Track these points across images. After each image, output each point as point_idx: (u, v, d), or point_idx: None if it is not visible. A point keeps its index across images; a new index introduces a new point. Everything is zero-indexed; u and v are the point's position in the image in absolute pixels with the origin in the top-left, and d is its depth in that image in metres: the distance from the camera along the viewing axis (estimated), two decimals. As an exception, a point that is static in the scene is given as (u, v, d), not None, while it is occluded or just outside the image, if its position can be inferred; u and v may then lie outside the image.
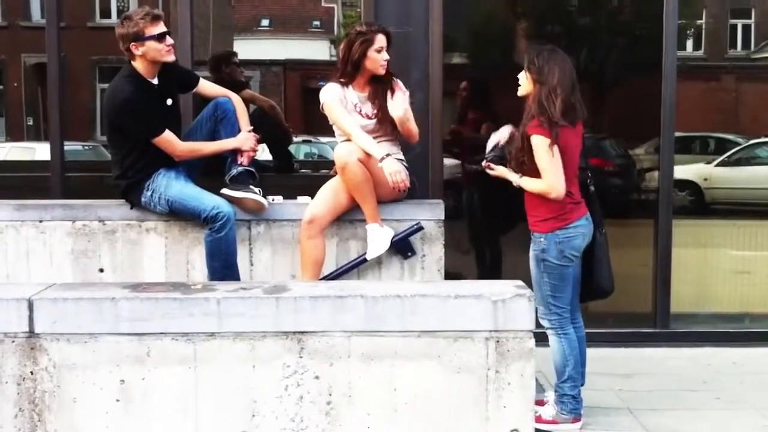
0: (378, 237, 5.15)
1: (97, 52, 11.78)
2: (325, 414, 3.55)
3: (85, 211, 5.35)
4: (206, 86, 5.41)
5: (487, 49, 7.81)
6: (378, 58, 5.12)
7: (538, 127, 4.55)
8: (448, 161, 6.73)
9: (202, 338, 3.53)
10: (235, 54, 7.70)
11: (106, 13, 13.62)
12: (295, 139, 10.17)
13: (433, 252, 5.32)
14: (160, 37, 4.98)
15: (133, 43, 4.97)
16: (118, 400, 3.54)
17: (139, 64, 5.04)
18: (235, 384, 3.55)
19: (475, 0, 7.61)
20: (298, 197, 5.51)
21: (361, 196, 5.06)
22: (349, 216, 5.23)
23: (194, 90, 5.38)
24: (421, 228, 5.25)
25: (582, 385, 4.91)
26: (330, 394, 3.55)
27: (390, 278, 5.29)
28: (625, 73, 7.49)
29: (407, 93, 5.22)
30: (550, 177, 4.57)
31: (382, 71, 5.15)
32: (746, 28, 8.80)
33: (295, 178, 7.37)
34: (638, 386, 5.63)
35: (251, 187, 5.20)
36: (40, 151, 9.07)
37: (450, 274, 5.58)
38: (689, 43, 8.45)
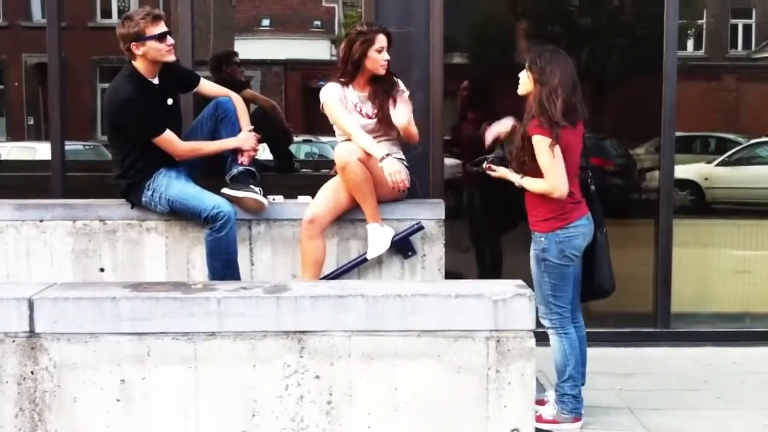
0: (378, 236, 5.15)
1: (98, 52, 11.79)
2: (326, 413, 3.55)
3: (86, 210, 5.35)
4: (207, 86, 5.41)
5: (488, 49, 7.82)
6: (378, 58, 5.12)
7: (538, 127, 4.55)
8: (449, 161, 6.73)
9: (202, 338, 3.52)
10: (235, 54, 7.71)
11: (106, 13, 13.63)
12: (295, 139, 10.17)
13: (433, 251, 5.32)
14: (160, 37, 4.99)
15: (133, 43, 4.97)
16: (118, 400, 3.53)
17: (139, 64, 5.04)
18: (236, 383, 3.55)
19: (476, 0, 7.61)
20: (299, 197, 5.51)
21: (361, 195, 5.06)
22: (349, 215, 5.23)
23: (195, 90, 5.38)
24: (421, 227, 5.25)
25: (582, 384, 4.91)
26: (330, 394, 3.55)
27: (390, 278, 5.29)
28: (625, 73, 7.49)
29: (410, 104, 5.25)
30: (552, 177, 4.57)
31: (382, 71, 5.15)
32: (747, 28, 8.82)
33: (296, 177, 7.37)
34: (639, 386, 5.63)
35: (252, 186, 5.20)
36: (41, 150, 9.08)
37: (450, 274, 5.58)
38: (690, 43, 8.46)
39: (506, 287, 3.68)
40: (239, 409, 3.55)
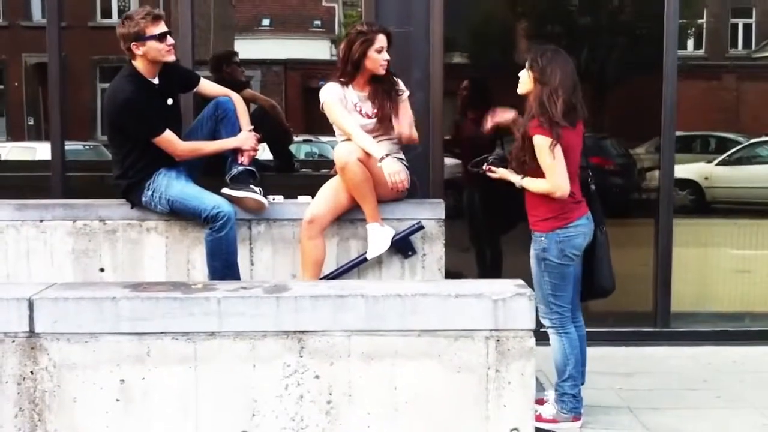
0: (378, 236, 5.15)
1: (98, 52, 11.78)
2: (326, 413, 3.55)
3: (86, 210, 5.36)
4: (207, 86, 5.41)
5: (488, 49, 7.82)
6: (378, 58, 5.12)
7: (539, 128, 4.55)
8: (449, 160, 6.73)
9: (202, 338, 3.52)
10: (235, 54, 7.71)
11: (106, 13, 13.63)
12: (295, 139, 10.18)
13: (433, 251, 5.32)
14: (161, 37, 4.99)
15: (133, 43, 4.97)
16: (118, 400, 3.53)
17: (139, 64, 5.05)
18: (236, 383, 3.54)
19: (476, 0, 7.61)
20: (299, 197, 5.51)
21: (361, 195, 5.07)
22: (349, 215, 5.23)
23: (195, 89, 5.38)
24: (421, 227, 5.25)
25: (582, 384, 4.91)
26: (330, 394, 3.55)
27: (390, 277, 5.29)
28: (626, 73, 7.50)
29: (409, 107, 5.27)
30: (554, 177, 4.58)
31: (382, 71, 5.15)
32: (747, 28, 8.82)
33: (296, 177, 7.38)
34: (639, 385, 5.63)
35: (252, 186, 5.20)
36: (41, 150, 9.08)
37: (450, 274, 5.58)
38: (690, 43, 8.46)
39: (506, 287, 3.67)
40: (239, 408, 3.55)
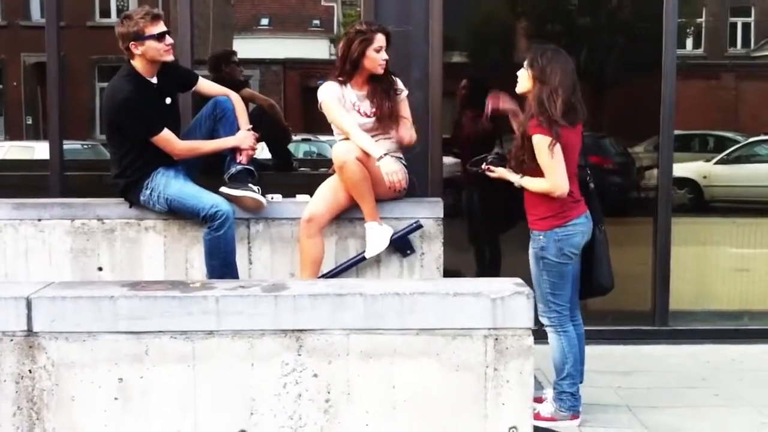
0: (377, 235, 5.15)
1: (97, 52, 11.76)
2: (324, 412, 3.55)
3: (84, 209, 5.36)
4: (205, 85, 5.41)
5: (487, 48, 7.82)
6: (377, 58, 5.12)
7: (538, 127, 4.56)
8: (448, 159, 6.73)
9: (200, 336, 3.52)
10: (234, 53, 7.70)
11: (105, 13, 13.60)
12: (294, 138, 10.16)
13: (432, 250, 5.32)
14: (159, 37, 4.99)
15: (132, 43, 4.97)
16: (116, 399, 3.53)
17: (138, 63, 5.04)
18: (234, 382, 3.54)
19: (476, -1, 7.62)
20: (297, 196, 5.51)
21: (359, 194, 5.06)
22: (348, 214, 5.23)
23: (193, 89, 5.38)
24: (420, 226, 5.26)
25: (581, 382, 4.92)
26: (329, 392, 3.55)
27: (389, 276, 5.29)
28: (624, 72, 7.50)
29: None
30: (553, 176, 4.58)
31: (380, 70, 5.15)
32: (746, 27, 8.81)
33: (294, 176, 7.38)
34: (637, 383, 5.63)
35: (250, 185, 5.20)
36: (39, 150, 9.06)
37: (449, 272, 5.58)
38: (689, 42, 8.45)
39: (505, 285, 3.67)
40: (237, 407, 3.55)
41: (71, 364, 3.51)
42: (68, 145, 6.80)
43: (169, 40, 5.05)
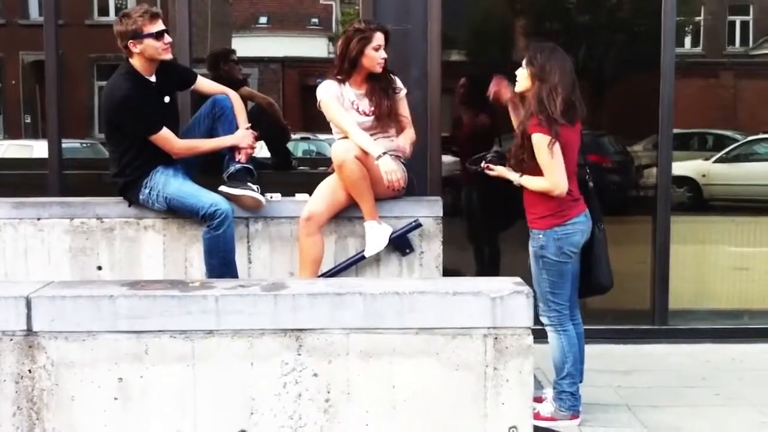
0: (376, 234, 5.15)
1: (96, 50, 11.74)
2: (324, 411, 3.55)
3: (83, 208, 5.35)
4: (204, 83, 5.41)
5: (486, 47, 7.81)
6: (375, 56, 5.11)
7: (537, 126, 4.55)
8: (447, 158, 6.73)
9: (200, 336, 3.52)
10: (233, 51, 7.69)
11: (104, 11, 13.58)
12: (293, 136, 10.15)
13: (431, 249, 5.32)
14: (158, 35, 4.98)
15: (131, 41, 4.97)
16: (116, 398, 3.53)
17: (136, 62, 5.04)
18: (234, 382, 3.54)
19: (474, -2, 7.62)
20: (297, 194, 5.51)
21: (358, 193, 5.06)
22: (347, 213, 5.23)
23: (192, 87, 5.38)
24: (419, 225, 5.25)
25: (581, 381, 4.91)
26: (328, 392, 3.54)
27: (388, 275, 5.29)
28: (623, 70, 7.49)
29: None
30: (552, 175, 4.58)
31: (379, 69, 5.15)
32: (744, 25, 8.80)
33: (293, 175, 7.38)
34: (637, 383, 5.63)
35: (249, 184, 5.19)
36: (38, 148, 9.06)
37: (448, 271, 5.58)
38: (687, 40, 8.44)
39: (504, 284, 3.67)
40: (237, 407, 3.54)
41: (71, 363, 3.51)
42: (67, 143, 6.80)
43: (167, 38, 5.04)
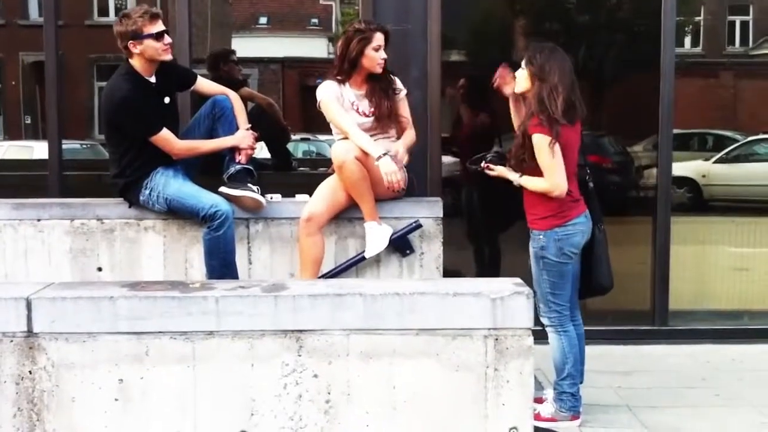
0: (376, 235, 5.14)
1: (95, 51, 11.75)
2: (324, 412, 3.55)
3: (84, 209, 5.35)
4: (204, 84, 5.40)
5: (486, 47, 7.81)
6: (375, 57, 5.11)
7: (538, 126, 4.55)
8: (447, 158, 6.73)
9: (200, 337, 3.52)
10: (233, 52, 7.69)
11: (104, 12, 13.59)
12: (293, 137, 10.16)
13: (431, 250, 5.32)
14: (158, 36, 4.98)
15: (131, 41, 4.96)
16: (116, 400, 3.53)
17: (136, 62, 5.04)
18: (234, 383, 3.54)
19: (474, -2, 7.62)
20: (297, 195, 5.51)
21: (358, 194, 5.06)
22: (347, 214, 5.23)
23: (192, 88, 5.37)
24: (419, 226, 5.25)
25: (581, 382, 4.91)
26: (329, 393, 3.54)
27: (389, 276, 5.29)
28: (623, 70, 7.49)
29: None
30: (552, 176, 4.58)
31: (379, 69, 5.15)
32: (744, 25, 8.81)
33: (294, 176, 7.37)
34: (637, 383, 5.63)
35: (249, 185, 5.19)
36: (38, 149, 9.06)
37: (449, 272, 5.58)
38: (687, 40, 8.45)
39: (504, 285, 3.67)
40: (238, 408, 3.54)
41: (71, 364, 3.51)
42: (67, 144, 6.80)
43: (167, 39, 5.04)
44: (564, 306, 4.77)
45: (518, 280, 3.78)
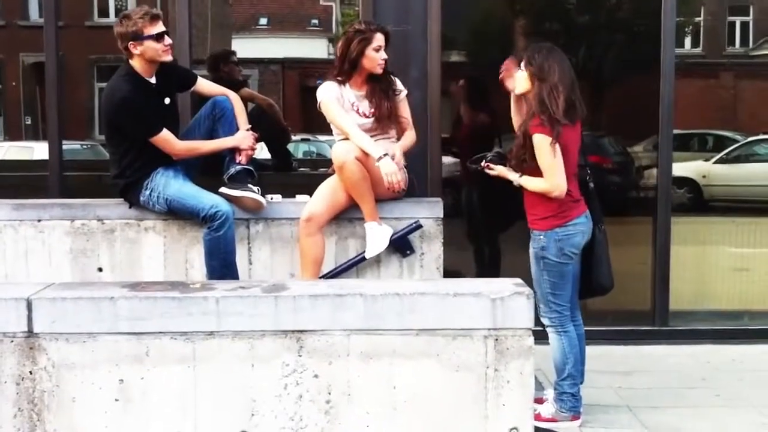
0: (377, 235, 5.14)
1: (96, 51, 11.77)
2: (325, 413, 3.55)
3: (84, 210, 5.35)
4: (204, 85, 5.40)
5: (486, 47, 7.81)
6: (376, 57, 5.11)
7: (539, 126, 4.55)
8: (447, 159, 6.73)
9: (200, 337, 3.52)
10: (233, 53, 7.70)
11: (104, 12, 13.61)
12: (293, 138, 10.17)
13: (431, 250, 5.32)
14: (158, 37, 4.98)
15: (131, 42, 4.96)
16: (117, 400, 3.53)
17: (137, 63, 5.04)
18: (234, 383, 3.54)
19: (474, -2, 7.62)
20: (297, 196, 5.50)
21: (358, 194, 5.06)
22: (348, 214, 5.23)
23: (192, 89, 5.38)
24: (419, 226, 5.25)
25: (581, 382, 4.91)
26: (329, 393, 3.54)
27: (389, 277, 5.29)
28: (623, 71, 7.50)
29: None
30: (552, 176, 4.57)
31: (379, 70, 5.15)
32: (744, 25, 8.82)
33: (294, 176, 7.38)
34: (638, 384, 5.63)
35: (250, 185, 5.19)
36: (39, 150, 9.07)
37: (449, 273, 5.58)
38: (687, 41, 8.45)
39: (505, 286, 3.67)
40: (238, 408, 3.54)
41: (72, 365, 3.51)
42: (67, 145, 6.81)
43: (167, 40, 5.04)
44: (564, 306, 4.77)
45: (518, 280, 3.78)
